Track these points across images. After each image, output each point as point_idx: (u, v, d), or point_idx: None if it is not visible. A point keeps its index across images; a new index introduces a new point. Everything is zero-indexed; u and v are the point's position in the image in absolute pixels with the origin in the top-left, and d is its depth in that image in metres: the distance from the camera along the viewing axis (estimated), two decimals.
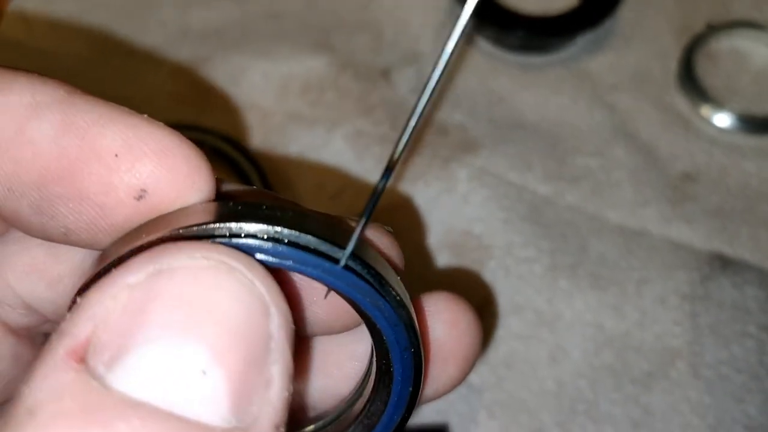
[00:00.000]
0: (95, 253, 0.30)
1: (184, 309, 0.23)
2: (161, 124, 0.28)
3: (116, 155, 0.27)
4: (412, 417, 0.32)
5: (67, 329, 0.23)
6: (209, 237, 0.25)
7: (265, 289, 0.24)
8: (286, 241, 0.26)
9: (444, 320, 0.35)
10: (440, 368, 0.35)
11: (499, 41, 0.69)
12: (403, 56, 0.69)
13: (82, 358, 0.22)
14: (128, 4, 0.71)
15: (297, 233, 0.26)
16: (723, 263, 0.59)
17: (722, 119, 0.64)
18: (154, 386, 0.22)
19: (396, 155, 0.25)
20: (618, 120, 0.65)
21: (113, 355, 0.22)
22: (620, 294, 0.58)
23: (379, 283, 0.28)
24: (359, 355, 0.35)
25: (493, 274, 0.59)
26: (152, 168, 0.27)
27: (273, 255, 0.26)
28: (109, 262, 0.25)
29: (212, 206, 0.27)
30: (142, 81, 0.67)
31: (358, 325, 0.33)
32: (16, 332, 0.34)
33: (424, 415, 0.55)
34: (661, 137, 0.65)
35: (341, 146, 0.64)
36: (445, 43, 0.23)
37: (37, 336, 0.35)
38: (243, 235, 0.26)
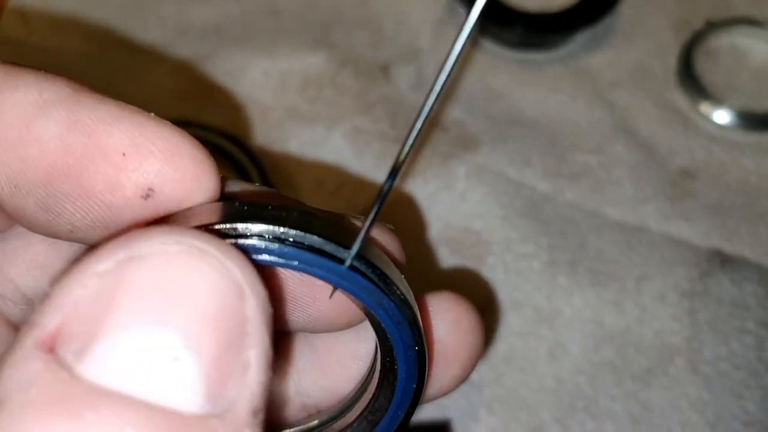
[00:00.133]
0: None
1: (155, 295, 0.22)
2: (168, 122, 0.28)
3: (124, 154, 0.27)
4: (414, 414, 0.33)
5: (36, 320, 0.22)
6: None
7: (240, 272, 0.23)
8: (291, 241, 0.26)
9: (447, 320, 0.35)
10: (443, 368, 0.35)
11: (499, 38, 0.69)
12: (403, 53, 0.69)
13: (51, 348, 0.22)
14: (128, 1, 0.71)
15: (303, 234, 0.26)
16: (722, 260, 0.59)
17: (721, 116, 0.65)
18: (124, 374, 0.21)
19: (401, 157, 0.26)
20: (617, 117, 0.65)
21: (82, 344, 0.22)
22: (619, 290, 0.58)
23: (384, 283, 0.28)
24: (362, 354, 0.36)
25: (492, 271, 0.59)
26: (160, 167, 0.27)
27: (279, 256, 0.26)
28: (82, 252, 0.25)
29: (218, 206, 0.27)
30: (143, 78, 0.67)
31: (361, 321, 0.33)
32: (18, 327, 0.34)
33: (424, 411, 0.55)
34: (660, 134, 0.65)
35: (340, 143, 0.64)
36: (452, 46, 0.23)
37: None
38: (249, 235, 0.26)
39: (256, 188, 0.32)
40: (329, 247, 0.27)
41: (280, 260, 0.26)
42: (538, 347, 0.57)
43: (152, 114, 0.28)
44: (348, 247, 0.27)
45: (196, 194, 0.28)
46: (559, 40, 0.69)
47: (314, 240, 0.26)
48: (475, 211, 0.61)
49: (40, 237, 0.31)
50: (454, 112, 0.65)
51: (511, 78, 0.67)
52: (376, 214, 0.27)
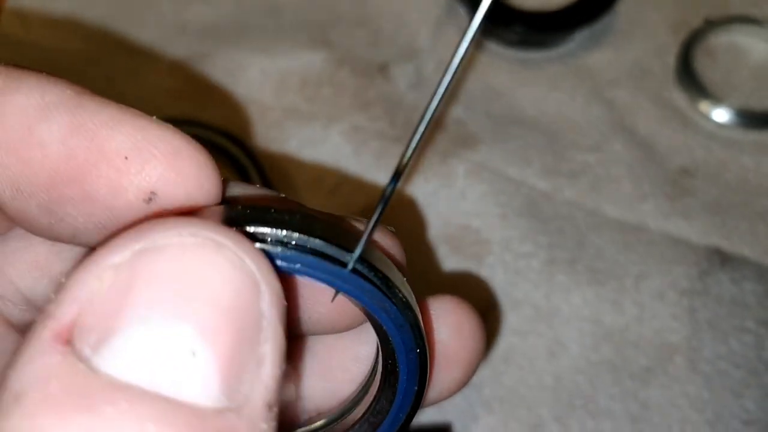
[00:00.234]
0: None
1: (171, 288, 0.22)
2: (170, 125, 0.28)
3: (126, 157, 0.27)
4: (415, 416, 0.33)
5: (52, 311, 0.22)
6: None
7: (256, 266, 0.23)
8: (294, 244, 0.26)
9: (449, 323, 0.35)
10: (444, 371, 0.35)
11: (498, 37, 0.69)
12: (402, 52, 0.69)
13: (68, 341, 0.22)
14: (126, 0, 0.71)
15: (305, 237, 0.26)
16: (721, 258, 0.59)
17: (720, 114, 0.65)
18: (141, 368, 0.21)
19: (404, 160, 0.25)
20: (616, 115, 0.65)
21: (99, 337, 0.22)
22: (618, 289, 0.58)
23: (386, 286, 0.28)
24: (363, 357, 0.36)
25: (491, 269, 0.59)
26: (162, 171, 0.27)
27: (282, 259, 0.26)
28: (96, 244, 0.25)
29: (220, 209, 0.27)
30: (141, 78, 0.67)
31: (362, 323, 0.33)
32: (19, 328, 0.34)
33: (425, 413, 0.55)
34: (659, 132, 0.65)
35: (339, 141, 0.64)
36: (456, 48, 0.23)
37: None
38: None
39: (257, 191, 0.32)
40: (332, 251, 0.27)
41: (283, 263, 0.26)
42: (537, 346, 0.57)
43: (154, 117, 0.28)
44: (350, 250, 0.27)
45: (198, 197, 0.28)
46: (558, 38, 0.69)
47: (317, 243, 0.26)
48: (474, 210, 0.61)
49: (41, 238, 0.31)
50: (453, 111, 0.65)
51: (511, 77, 0.67)
52: (379, 217, 0.27)
